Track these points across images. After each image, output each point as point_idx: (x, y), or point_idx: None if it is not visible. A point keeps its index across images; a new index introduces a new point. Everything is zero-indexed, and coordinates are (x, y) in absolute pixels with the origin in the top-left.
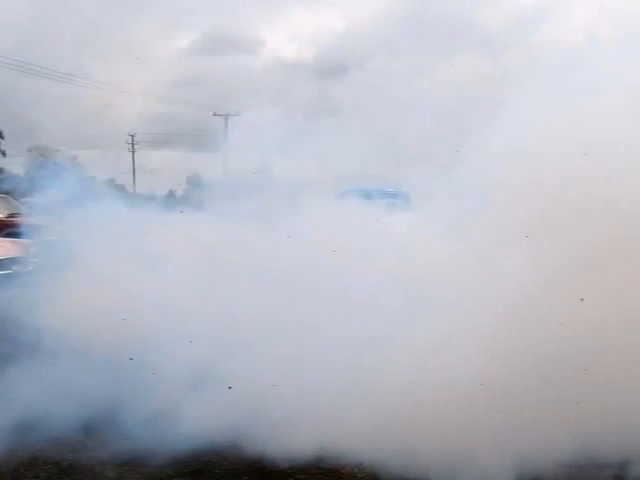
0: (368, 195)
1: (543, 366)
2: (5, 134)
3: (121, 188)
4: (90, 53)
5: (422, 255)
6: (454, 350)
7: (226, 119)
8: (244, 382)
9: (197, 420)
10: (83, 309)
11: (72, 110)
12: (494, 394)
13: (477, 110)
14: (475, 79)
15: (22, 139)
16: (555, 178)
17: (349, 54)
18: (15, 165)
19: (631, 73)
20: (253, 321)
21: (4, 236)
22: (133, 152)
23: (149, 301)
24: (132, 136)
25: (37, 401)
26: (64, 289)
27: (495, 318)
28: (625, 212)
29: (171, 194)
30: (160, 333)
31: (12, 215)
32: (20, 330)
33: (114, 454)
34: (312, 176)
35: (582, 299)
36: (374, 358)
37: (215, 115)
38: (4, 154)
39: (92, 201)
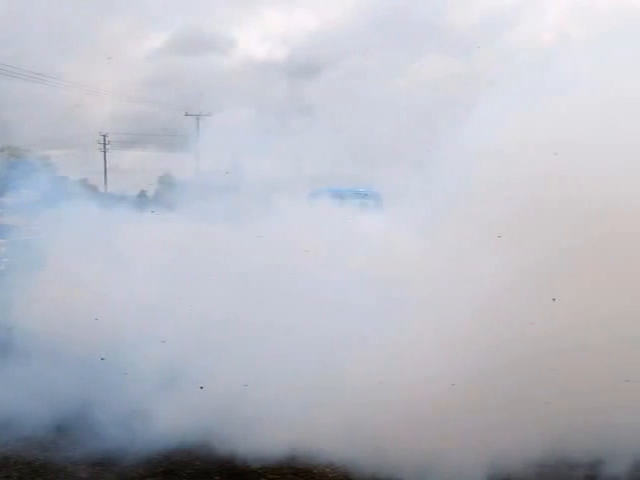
0: (340, 195)
1: (514, 366)
2: None
3: (93, 188)
4: (61, 53)
5: (393, 255)
6: (425, 350)
7: (198, 119)
8: (216, 382)
9: (169, 420)
10: (55, 309)
11: (44, 110)
12: (465, 394)
13: (449, 110)
14: (447, 79)
15: None
16: (526, 178)
17: (321, 54)
18: None
19: (602, 73)
20: (225, 321)
21: None
22: (105, 152)
23: (121, 301)
24: (104, 136)
25: (8, 401)
26: (36, 289)
27: (466, 318)
28: (596, 212)
29: (143, 194)
30: (132, 333)
31: None
32: None
33: (86, 454)
34: (284, 176)
35: (554, 299)
36: (345, 358)
37: (187, 115)
38: None
39: (64, 201)
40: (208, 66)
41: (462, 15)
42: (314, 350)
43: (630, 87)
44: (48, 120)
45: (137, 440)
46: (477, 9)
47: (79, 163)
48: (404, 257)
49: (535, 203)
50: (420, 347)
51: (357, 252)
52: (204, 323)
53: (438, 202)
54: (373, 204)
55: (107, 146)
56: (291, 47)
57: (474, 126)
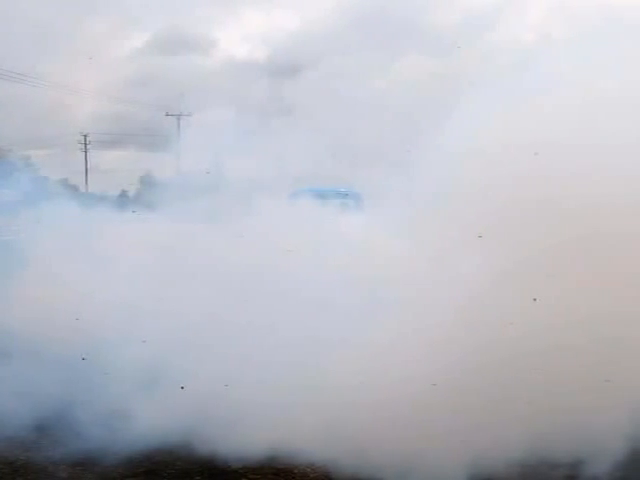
0: (321, 195)
1: (495, 366)
2: None
3: (74, 188)
4: (42, 53)
5: (375, 255)
6: (407, 350)
7: (178, 119)
8: (197, 382)
9: (150, 420)
10: (36, 309)
11: (25, 110)
12: (446, 394)
13: (430, 110)
14: (428, 79)
15: None
16: (507, 178)
17: (302, 54)
18: None
19: (583, 73)
20: (206, 321)
21: None
22: (86, 152)
23: (102, 301)
24: (85, 136)
25: None
26: (16, 289)
27: (448, 318)
28: (577, 212)
29: (124, 194)
30: (113, 333)
31: None
32: None
33: (67, 454)
34: (265, 176)
35: (535, 299)
36: (327, 358)
37: (168, 115)
38: None
39: (45, 201)
40: (189, 66)
41: (443, 15)
42: (295, 350)
43: (611, 87)
44: (29, 120)
45: (118, 440)
46: (458, 9)
47: (60, 163)
48: (385, 257)
49: (516, 203)
50: (401, 347)
51: (338, 252)
52: (185, 323)
53: (419, 202)
54: (354, 204)
55: (88, 146)
56: (272, 47)
57: (455, 126)
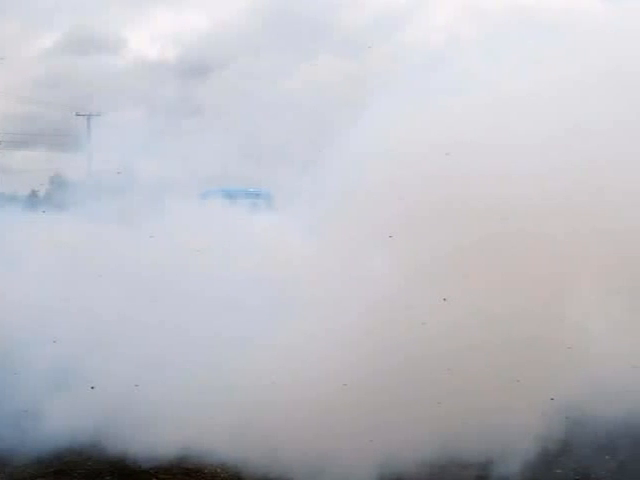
0: (231, 195)
1: (405, 366)
2: None
3: None
4: None
5: (284, 255)
6: (317, 350)
7: (89, 119)
8: (107, 382)
9: (60, 420)
10: None
11: None
12: (357, 394)
13: (339, 110)
14: (339, 79)
15: None
16: (417, 178)
17: (212, 55)
18: None
19: (492, 73)
20: (116, 321)
21: None
22: None
23: (11, 301)
24: None
25: None
26: None
27: (357, 318)
28: (486, 212)
29: (34, 194)
30: (23, 333)
31: None
32: None
33: None
34: (175, 176)
35: (445, 299)
36: (237, 358)
37: (78, 115)
38: None
39: None
40: (99, 66)
41: (354, 16)
42: (206, 350)
43: (520, 87)
44: None
45: (28, 440)
46: (369, 10)
47: None
48: (295, 257)
49: (426, 203)
50: (312, 347)
51: (248, 252)
52: (95, 323)
53: (329, 202)
54: (265, 204)
55: None
56: (182, 47)
57: (365, 126)
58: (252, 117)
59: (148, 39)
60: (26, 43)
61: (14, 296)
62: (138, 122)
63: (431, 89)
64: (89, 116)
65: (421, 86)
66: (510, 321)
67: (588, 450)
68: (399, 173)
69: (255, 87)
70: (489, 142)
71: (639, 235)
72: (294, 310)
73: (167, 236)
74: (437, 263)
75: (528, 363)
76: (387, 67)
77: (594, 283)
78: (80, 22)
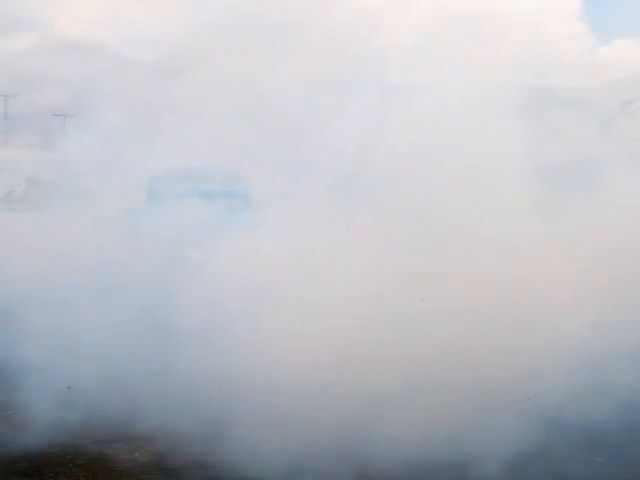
0: (207, 195)
1: (381, 366)
2: None
3: None
4: None
5: (260, 256)
6: (288, 350)
7: (64, 119)
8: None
9: None
10: None
11: None
12: (333, 393)
13: (318, 110)
14: (316, 79)
15: None
16: (394, 178)
17: (188, 53)
18: None
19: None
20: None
21: None
22: None
23: None
24: None
25: None
26: None
27: (337, 316)
28: (462, 212)
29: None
30: None
31: None
32: None
33: None
34: (151, 175)
35: (422, 299)
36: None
37: (55, 115)
38: None
39: None
40: (74, 65)
41: (330, 15)
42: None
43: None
44: None
45: None
46: (346, 9)
47: None
48: (270, 258)
49: (402, 203)
50: (282, 347)
51: (224, 253)
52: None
53: (305, 203)
54: (240, 204)
55: None
56: (158, 46)
57: (343, 127)
58: (228, 116)
59: (124, 38)
60: (1, 42)
61: None
62: (113, 122)
63: (407, 88)
64: (64, 116)
65: (398, 86)
66: (487, 321)
67: (566, 451)
68: (378, 174)
69: (232, 86)
70: (466, 142)
71: (617, 234)
72: (266, 312)
73: (142, 235)
74: (414, 263)
75: (505, 363)
76: (364, 67)
77: (573, 283)
78: (57, 22)
